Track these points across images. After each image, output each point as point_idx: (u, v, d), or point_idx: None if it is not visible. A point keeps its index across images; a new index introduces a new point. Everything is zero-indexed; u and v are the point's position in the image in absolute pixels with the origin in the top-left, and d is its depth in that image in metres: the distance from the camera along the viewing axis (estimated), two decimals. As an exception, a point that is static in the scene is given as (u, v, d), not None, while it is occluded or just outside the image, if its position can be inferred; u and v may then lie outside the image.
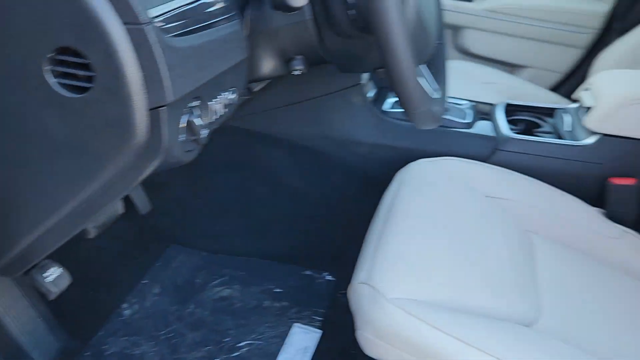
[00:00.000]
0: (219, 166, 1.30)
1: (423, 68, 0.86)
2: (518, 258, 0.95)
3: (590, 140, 1.14)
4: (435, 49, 1.00)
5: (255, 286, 1.27)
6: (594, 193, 1.15)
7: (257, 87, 0.99)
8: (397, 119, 1.24)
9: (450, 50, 2.18)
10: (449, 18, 2.11)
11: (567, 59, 1.99)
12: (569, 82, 1.98)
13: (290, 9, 0.67)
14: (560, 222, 1.08)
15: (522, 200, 1.09)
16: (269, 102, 1.23)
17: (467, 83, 1.75)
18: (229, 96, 0.68)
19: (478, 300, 0.82)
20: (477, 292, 0.83)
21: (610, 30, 1.91)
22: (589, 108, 1.18)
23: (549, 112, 1.32)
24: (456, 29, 2.13)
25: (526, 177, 1.15)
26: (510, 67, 2.10)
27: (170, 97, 0.49)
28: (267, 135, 1.26)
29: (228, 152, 1.29)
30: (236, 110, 1.19)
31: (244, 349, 1.10)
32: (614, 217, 1.13)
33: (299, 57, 0.79)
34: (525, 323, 0.84)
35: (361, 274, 0.84)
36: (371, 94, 1.28)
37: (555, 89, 2.01)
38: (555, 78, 2.02)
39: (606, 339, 0.85)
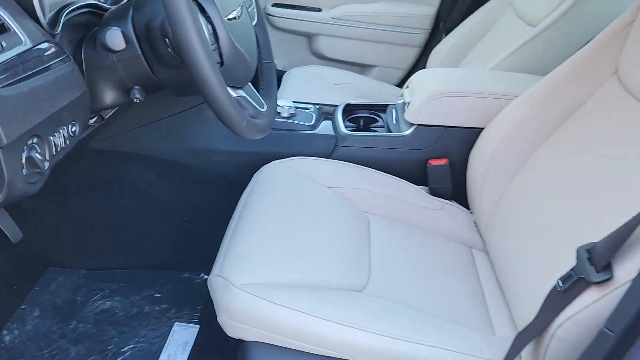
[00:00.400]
0: (85, 188, 1.37)
1: (249, 87, 1.01)
2: (354, 235, 1.13)
3: (410, 130, 1.36)
4: (264, 68, 1.15)
5: (135, 295, 1.36)
6: (418, 175, 1.38)
7: (108, 114, 1.08)
8: (249, 127, 1.38)
9: (308, 56, 2.37)
10: (303, 27, 2.30)
11: (407, 57, 2.25)
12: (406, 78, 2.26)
13: (114, 51, 0.79)
14: (391, 202, 1.29)
15: (358, 187, 1.28)
16: (129, 123, 1.33)
17: (320, 85, 1.94)
18: (71, 129, 0.78)
19: (315, 276, 0.99)
20: (315, 270, 0.99)
21: (438, 29, 2.20)
22: (408, 103, 1.40)
23: (383, 108, 1.54)
24: (310, 36, 2.33)
25: (363, 167, 1.35)
26: (360, 67, 2.33)
27: (3, 141, 0.59)
28: (130, 153, 1.35)
29: (93, 173, 1.36)
30: (94, 130, 1.27)
31: (128, 353, 1.20)
32: (435, 192, 1.36)
33: (136, 87, 0.90)
34: (357, 289, 1.02)
35: (215, 268, 0.97)
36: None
37: (400, 84, 2.28)
38: (399, 74, 2.29)
39: (425, 293, 1.06)
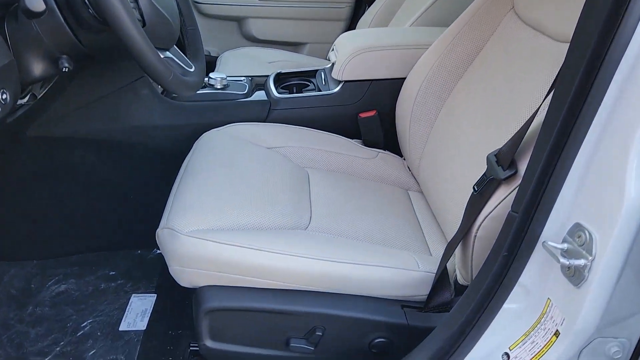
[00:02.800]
0: (27, 177, 1.38)
1: (175, 50, 1.05)
2: (294, 183, 1.19)
3: (337, 88, 1.44)
4: (189, 34, 1.20)
5: (90, 276, 1.39)
6: (351, 128, 1.46)
7: (39, 91, 1.10)
8: (187, 101, 1.43)
9: (240, 40, 2.42)
10: (231, 11, 2.34)
11: (335, 31, 2.33)
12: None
13: (35, 14, 0.82)
14: (328, 156, 1.36)
15: (295, 145, 1.35)
16: (63, 108, 1.35)
17: (254, 63, 2.00)
18: (1, 96, 0.81)
19: (259, 219, 1.05)
20: (259, 213, 1.06)
21: (361, 1, 2.29)
22: (333, 63, 1.48)
23: (312, 73, 1.61)
24: (239, 20, 2.38)
25: (299, 127, 1.42)
26: (292, 46, 2.40)
27: None
28: (69, 138, 1.37)
29: (34, 162, 1.38)
30: (30, 117, 1.29)
31: (87, 327, 1.22)
32: (368, 143, 1.45)
33: (64, 56, 0.94)
34: (302, 228, 1.09)
35: (162, 222, 1.02)
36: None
37: (332, 58, 2.36)
38: (329, 48, 2.37)
39: (365, 225, 1.14)
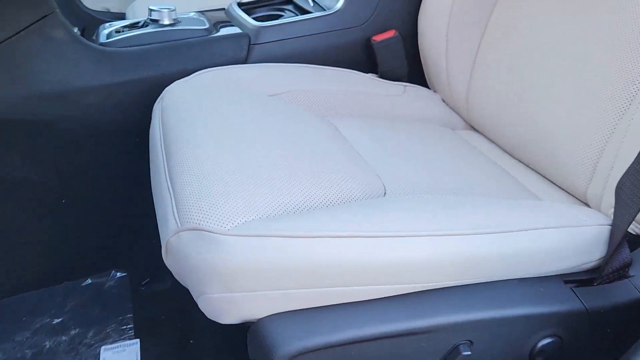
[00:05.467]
0: None
1: None
2: (331, 141, 0.80)
3: (340, 3, 1.05)
4: None
5: (22, 332, 0.89)
6: (362, 59, 1.08)
7: None
8: (125, 46, 0.96)
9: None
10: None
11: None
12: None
13: None
14: (347, 98, 0.98)
15: (303, 89, 0.94)
16: None
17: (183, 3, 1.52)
18: None
19: (321, 192, 0.65)
20: (315, 185, 0.65)
21: None
22: (324, -26, 1.08)
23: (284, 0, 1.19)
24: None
25: (296, 65, 1.01)
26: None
27: None
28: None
29: None
30: None
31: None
32: (388, 76, 1.08)
33: None
34: (379, 195, 0.70)
35: (169, 226, 0.58)
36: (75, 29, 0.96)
37: None
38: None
39: (456, 178, 0.78)
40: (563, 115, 0.79)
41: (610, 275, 0.66)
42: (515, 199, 0.74)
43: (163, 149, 0.75)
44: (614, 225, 0.64)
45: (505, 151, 0.94)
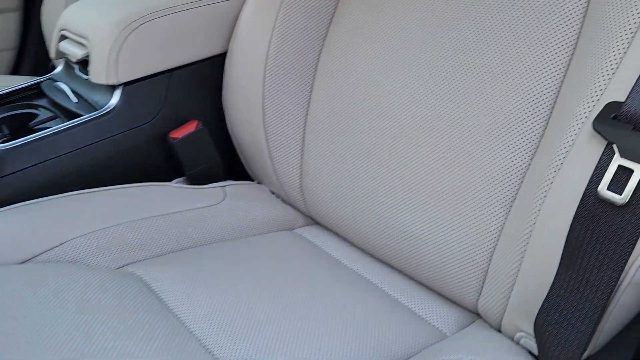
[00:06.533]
0: None
1: None
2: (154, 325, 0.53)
3: (115, 99, 0.77)
4: None
5: None
6: (161, 162, 0.82)
7: None
8: None
9: None
10: None
11: (6, 29, 1.49)
12: (28, 54, 1.52)
13: None
14: (151, 226, 0.71)
15: (83, 235, 0.66)
16: None
17: None
18: None
19: None
20: None
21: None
22: (84, 61, 0.79)
23: (34, 92, 0.87)
24: None
25: (61, 197, 0.71)
26: None
27: None
28: None
29: None
30: None
31: None
32: (199, 178, 0.84)
33: None
34: None
35: None
36: None
37: (16, 71, 1.53)
38: (7, 57, 1.52)
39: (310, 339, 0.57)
40: (422, 210, 0.64)
41: None
42: (375, 318, 0.57)
43: None
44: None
45: (363, 250, 0.77)
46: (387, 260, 0.71)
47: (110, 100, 0.77)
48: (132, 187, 0.76)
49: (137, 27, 0.75)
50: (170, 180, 0.82)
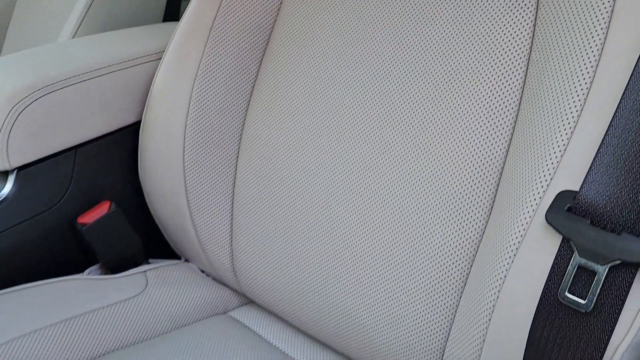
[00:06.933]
0: None
1: None
2: None
3: (7, 186, 0.67)
4: None
5: None
6: (69, 252, 0.72)
7: None
8: None
9: None
10: None
11: None
12: None
13: None
14: (63, 332, 0.61)
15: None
16: None
17: None
18: None
19: None
20: None
21: None
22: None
23: None
24: None
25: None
26: None
27: None
28: None
29: None
30: None
31: None
32: (117, 264, 0.74)
33: None
34: None
35: None
36: None
37: None
38: None
39: None
40: (363, 289, 0.58)
41: None
42: None
43: None
44: None
45: (306, 333, 0.70)
46: (329, 343, 0.65)
47: (5, 186, 0.67)
48: (36, 285, 0.66)
49: (31, 103, 0.65)
50: (84, 269, 0.72)
